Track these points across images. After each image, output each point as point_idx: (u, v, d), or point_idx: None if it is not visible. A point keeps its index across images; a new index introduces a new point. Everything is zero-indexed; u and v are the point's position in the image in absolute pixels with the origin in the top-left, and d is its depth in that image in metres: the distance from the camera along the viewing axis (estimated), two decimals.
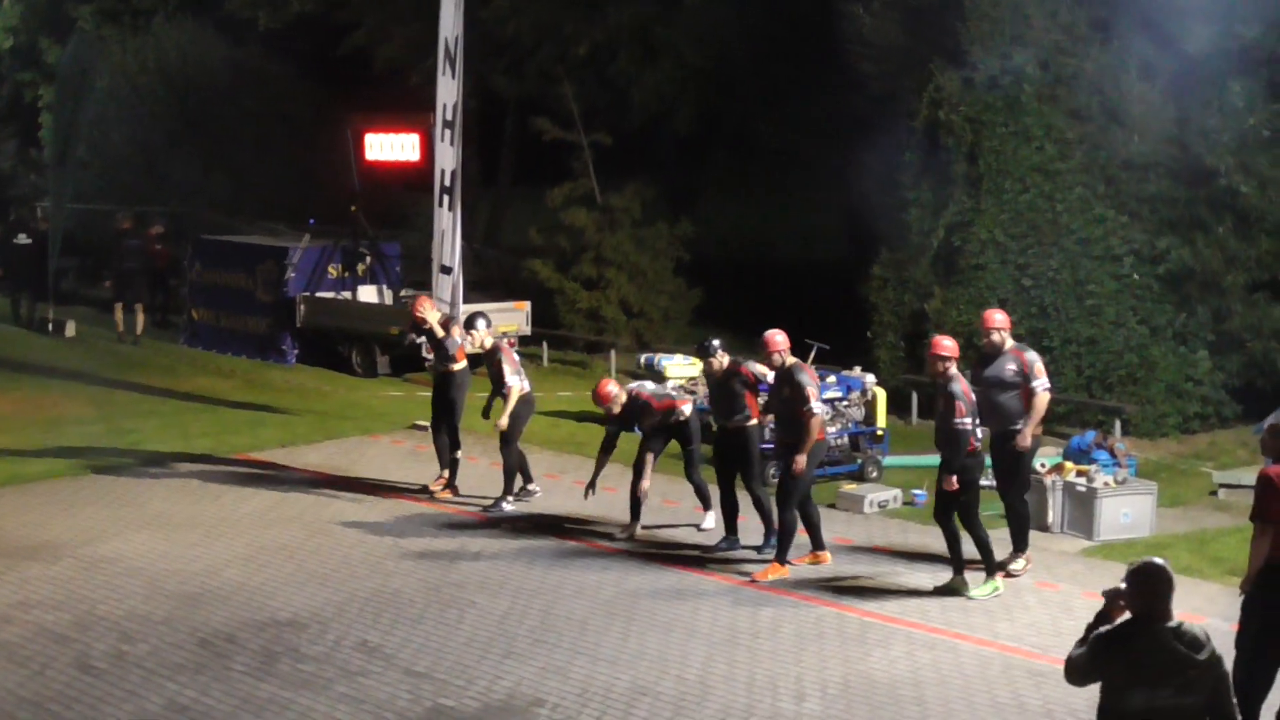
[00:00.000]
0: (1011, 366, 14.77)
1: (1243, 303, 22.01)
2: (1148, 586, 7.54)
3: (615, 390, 16.12)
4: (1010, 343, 14.94)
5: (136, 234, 31.83)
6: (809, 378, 14.86)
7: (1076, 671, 7.76)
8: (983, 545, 14.27)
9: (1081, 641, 7.71)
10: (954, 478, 14.03)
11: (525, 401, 17.52)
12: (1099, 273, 22.37)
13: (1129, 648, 7.52)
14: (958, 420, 14.01)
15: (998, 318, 15.05)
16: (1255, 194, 21.70)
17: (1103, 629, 7.61)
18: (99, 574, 14.79)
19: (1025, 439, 14.67)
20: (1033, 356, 14.89)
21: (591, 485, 16.28)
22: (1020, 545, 14.96)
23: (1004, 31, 23.26)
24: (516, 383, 17.23)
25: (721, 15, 32.02)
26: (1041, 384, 14.72)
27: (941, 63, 23.64)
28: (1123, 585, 7.60)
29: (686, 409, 16.14)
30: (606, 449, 16.25)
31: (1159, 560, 7.66)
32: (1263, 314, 21.94)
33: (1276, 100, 21.70)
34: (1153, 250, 22.27)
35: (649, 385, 16.61)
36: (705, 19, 32.15)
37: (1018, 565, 14.83)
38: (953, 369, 14.30)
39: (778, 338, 15.10)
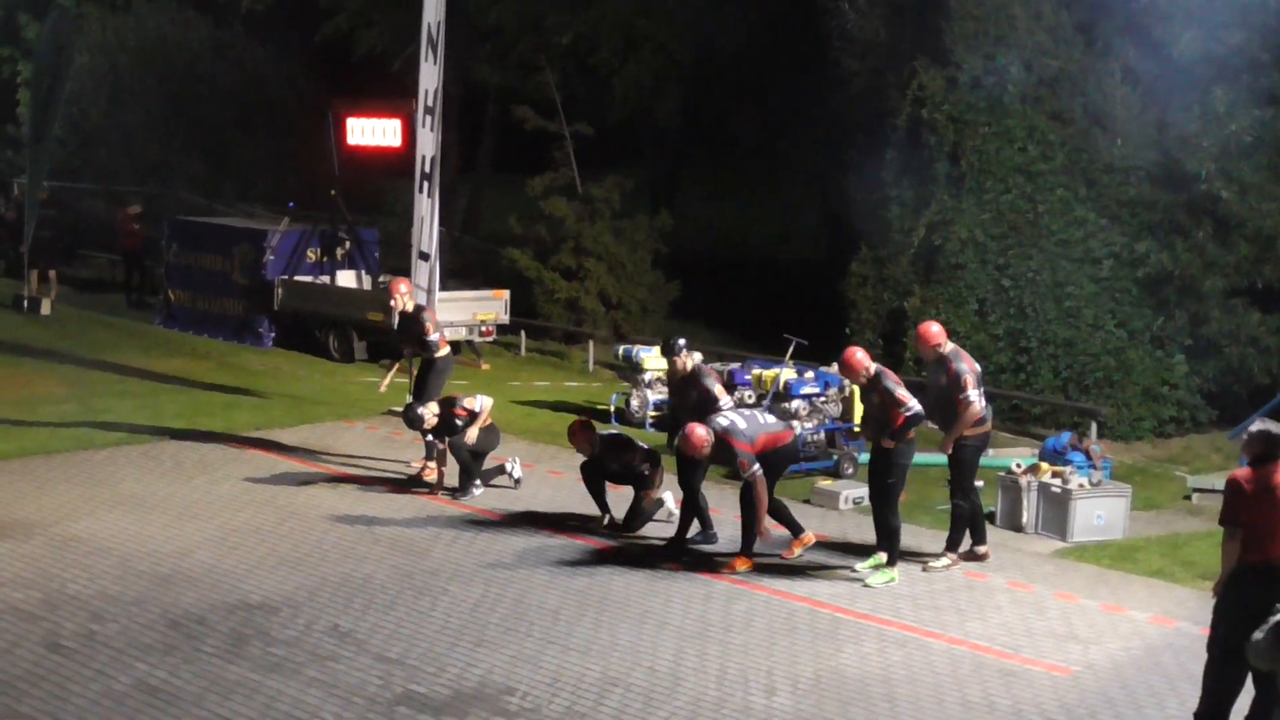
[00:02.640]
0: (943, 377, 14.82)
1: (1220, 308, 22.07)
2: None
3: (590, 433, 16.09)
4: (949, 348, 14.90)
5: (53, 204, 32.33)
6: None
7: (1265, 656, 8.13)
8: (893, 533, 14.51)
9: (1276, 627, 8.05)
10: (892, 442, 14.35)
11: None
12: (1078, 275, 22.43)
13: None
14: (905, 408, 14.24)
15: (933, 329, 15.02)
16: (1235, 200, 21.75)
17: None
18: (70, 553, 14.71)
19: (945, 448, 14.85)
20: (962, 368, 14.78)
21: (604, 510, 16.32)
22: (951, 545, 15.04)
23: (988, 32, 23.30)
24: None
25: (704, 9, 32.02)
26: (967, 396, 14.67)
27: (925, 61, 23.67)
28: None
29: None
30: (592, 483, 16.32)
31: None
32: (1240, 320, 22.01)
33: (1258, 106, 21.76)
34: (1132, 253, 22.32)
35: (620, 442, 16.37)
36: (688, 12, 32.15)
37: (940, 563, 14.88)
38: (873, 370, 14.52)
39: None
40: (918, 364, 22.62)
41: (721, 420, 14.70)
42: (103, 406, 21.76)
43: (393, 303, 18.63)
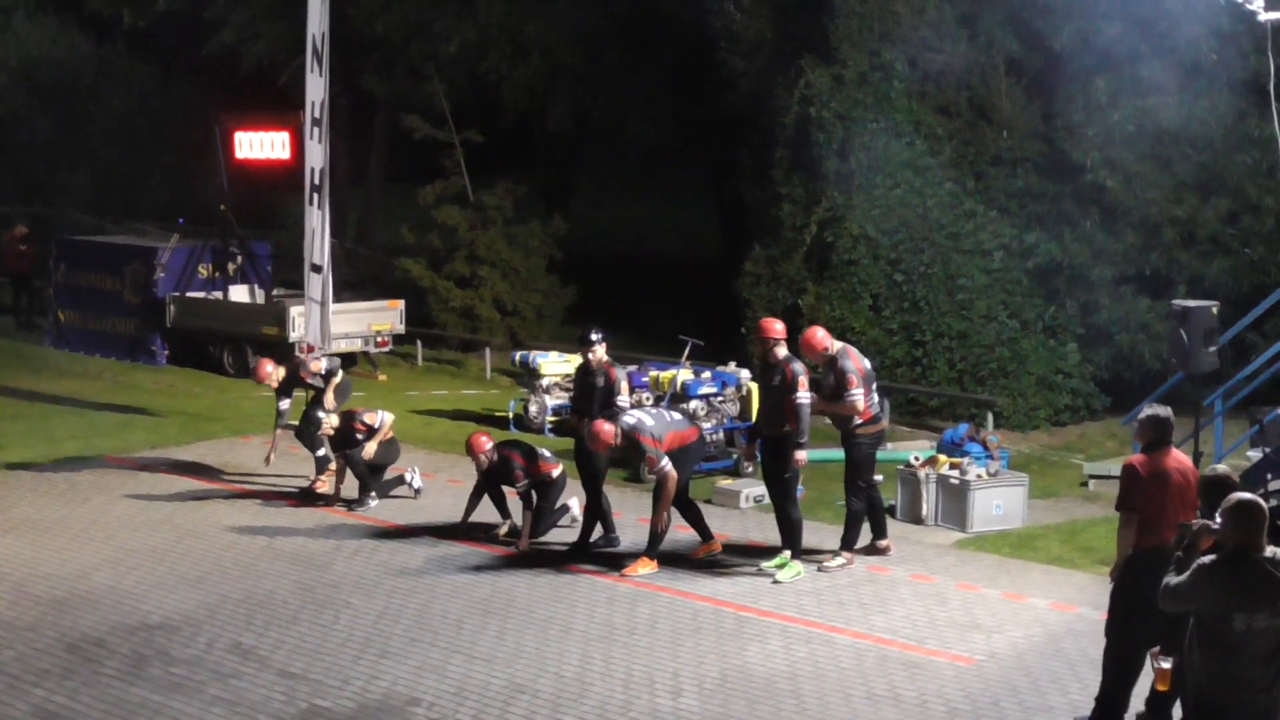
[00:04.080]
0: (831, 376, 14.86)
1: (1110, 296, 22.32)
2: (1247, 519, 8.07)
3: (486, 442, 15.92)
4: (837, 347, 14.93)
5: None
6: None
7: (1178, 597, 8.19)
8: (794, 526, 14.56)
9: (1178, 570, 8.20)
10: (802, 454, 14.31)
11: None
12: (969, 267, 22.62)
13: (1232, 575, 8.01)
14: (799, 395, 14.26)
15: (818, 336, 15.02)
16: (1120, 188, 22.03)
17: (1205, 559, 8.11)
18: None
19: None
20: (848, 366, 14.82)
21: (464, 519, 16.20)
22: (845, 543, 15.03)
23: (872, 28, 23.46)
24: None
25: (591, 12, 32.01)
26: (850, 394, 14.71)
27: (812, 59, 23.77)
28: (1214, 520, 8.26)
29: (555, 472, 15.98)
30: (477, 493, 16.17)
31: (1253, 495, 8.21)
32: (1130, 307, 22.27)
33: (1139, 96, 22.02)
34: (1021, 244, 22.55)
35: (521, 450, 16.23)
36: (575, 16, 32.13)
37: (835, 562, 14.92)
38: (783, 350, 14.49)
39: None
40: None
41: (628, 419, 14.66)
42: None
43: (267, 382, 18.36)
